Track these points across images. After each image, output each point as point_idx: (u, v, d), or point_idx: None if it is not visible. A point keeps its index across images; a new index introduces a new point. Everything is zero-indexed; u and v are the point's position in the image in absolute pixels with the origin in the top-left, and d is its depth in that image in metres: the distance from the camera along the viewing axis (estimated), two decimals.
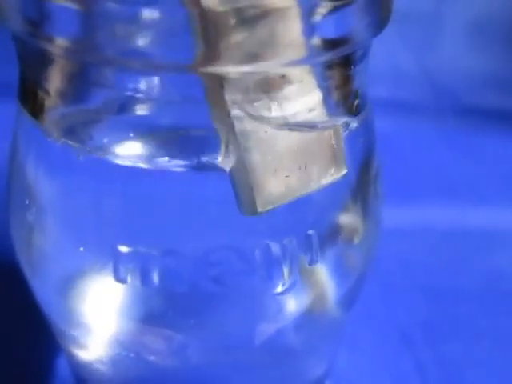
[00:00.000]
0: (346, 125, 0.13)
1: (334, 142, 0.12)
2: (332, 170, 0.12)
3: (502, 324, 0.24)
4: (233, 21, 0.10)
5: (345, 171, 0.12)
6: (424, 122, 0.35)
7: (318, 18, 0.11)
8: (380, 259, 0.22)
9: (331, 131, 0.12)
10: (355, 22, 0.11)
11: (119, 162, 0.12)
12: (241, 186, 0.11)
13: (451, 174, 0.32)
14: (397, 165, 0.30)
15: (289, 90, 0.11)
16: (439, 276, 0.26)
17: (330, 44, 0.11)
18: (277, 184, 0.11)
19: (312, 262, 0.14)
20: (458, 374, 0.22)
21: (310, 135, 0.11)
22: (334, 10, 0.11)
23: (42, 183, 0.14)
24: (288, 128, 0.11)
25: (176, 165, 0.12)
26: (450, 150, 0.34)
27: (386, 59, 0.33)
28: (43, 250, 0.15)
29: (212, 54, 0.10)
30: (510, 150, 0.34)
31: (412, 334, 0.23)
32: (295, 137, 0.11)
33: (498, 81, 0.37)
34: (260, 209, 0.11)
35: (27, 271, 0.15)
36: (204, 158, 0.12)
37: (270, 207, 0.11)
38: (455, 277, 0.26)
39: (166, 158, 0.12)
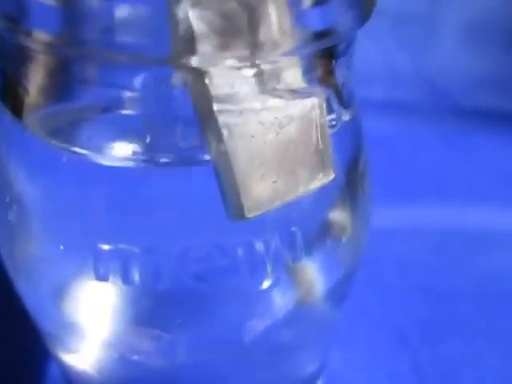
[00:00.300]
0: (338, 116, 0.13)
1: (321, 146, 0.12)
2: (320, 175, 0.12)
3: (499, 324, 0.24)
4: (216, 16, 0.10)
5: (333, 176, 0.12)
6: (421, 123, 0.35)
7: (302, 9, 0.11)
8: (377, 259, 0.22)
9: (318, 134, 0.11)
10: (339, 13, 0.11)
11: (102, 161, 0.12)
12: (228, 191, 0.11)
13: (449, 175, 0.32)
14: (394, 165, 0.30)
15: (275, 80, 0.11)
16: (436, 276, 0.26)
17: (315, 36, 0.11)
18: (264, 189, 0.11)
19: (295, 260, 0.14)
20: (454, 373, 0.22)
21: (297, 140, 0.11)
22: (318, 1, 0.11)
23: (22, 182, 0.14)
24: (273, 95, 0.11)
25: (160, 162, 0.12)
26: (447, 150, 0.34)
27: (383, 61, 0.33)
28: (26, 251, 0.14)
29: (192, 45, 0.10)
30: (507, 151, 0.34)
31: (409, 334, 0.23)
32: (283, 142, 0.11)
33: (495, 81, 0.37)
34: (247, 214, 0.11)
35: (12, 273, 0.15)
36: (188, 155, 0.12)
37: (258, 212, 0.11)
38: (452, 277, 0.26)
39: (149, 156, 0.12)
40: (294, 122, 0.11)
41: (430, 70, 0.36)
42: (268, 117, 0.11)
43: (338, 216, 0.15)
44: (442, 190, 0.31)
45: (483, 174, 0.32)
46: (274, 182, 0.11)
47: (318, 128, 0.11)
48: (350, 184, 0.15)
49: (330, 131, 0.12)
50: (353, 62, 0.13)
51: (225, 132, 0.10)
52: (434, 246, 0.28)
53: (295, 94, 0.11)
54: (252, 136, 0.11)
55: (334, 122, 0.13)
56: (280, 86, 0.11)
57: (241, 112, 0.10)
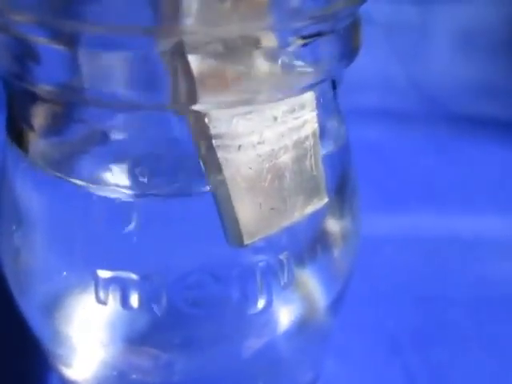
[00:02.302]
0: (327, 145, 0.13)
1: (315, 173, 0.12)
2: (314, 200, 0.12)
3: (490, 330, 0.24)
4: (216, 62, 0.10)
5: (326, 200, 0.13)
6: (414, 131, 0.35)
7: (290, 53, 0.11)
8: (370, 266, 0.22)
9: (312, 161, 0.12)
10: (325, 56, 0.12)
11: (99, 192, 0.13)
12: (227, 219, 0.12)
13: (442, 182, 0.32)
14: (387, 173, 0.30)
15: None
16: (428, 283, 0.26)
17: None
18: (262, 217, 0.12)
19: (286, 284, 0.14)
20: (446, 380, 0.22)
21: (292, 169, 0.12)
22: (304, 45, 0.11)
23: (26, 209, 0.14)
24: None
25: (153, 193, 0.12)
26: (440, 157, 0.34)
27: (375, 69, 0.33)
28: (28, 272, 0.15)
29: (193, 94, 0.10)
30: (499, 157, 0.34)
31: (401, 341, 0.23)
32: (279, 171, 0.12)
33: (486, 88, 0.37)
34: (246, 241, 0.12)
35: (14, 291, 0.15)
36: (183, 186, 0.12)
37: (256, 239, 0.12)
38: (444, 284, 0.26)
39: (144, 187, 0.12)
40: (290, 152, 0.12)
41: (422, 77, 0.36)
42: (265, 149, 0.11)
43: (329, 234, 0.15)
44: (435, 197, 0.31)
45: (476, 180, 0.32)
46: (272, 209, 0.12)
47: (312, 156, 0.12)
48: (340, 201, 0.15)
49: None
50: (340, 95, 0.14)
51: (223, 165, 0.11)
52: (426, 254, 0.27)
53: (290, 121, 0.12)
54: (250, 168, 0.11)
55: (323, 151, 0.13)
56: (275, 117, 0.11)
57: (239, 147, 0.11)
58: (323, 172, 0.12)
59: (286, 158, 0.12)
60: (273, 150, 0.11)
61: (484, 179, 0.32)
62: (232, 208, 0.11)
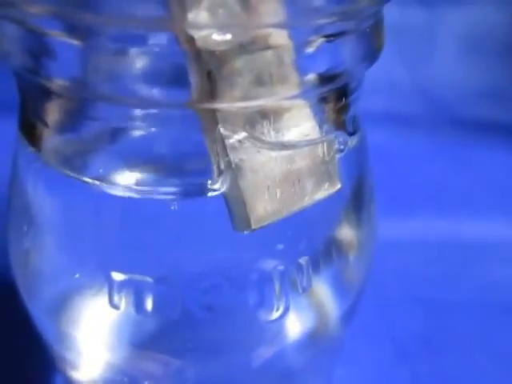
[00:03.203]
0: (344, 143, 0.13)
1: (327, 157, 0.12)
2: (326, 185, 0.12)
3: (498, 336, 0.24)
4: (229, 60, 0.10)
5: (339, 186, 0.12)
6: (419, 135, 0.35)
7: (310, 53, 0.11)
8: (376, 271, 0.22)
9: (324, 147, 0.12)
10: (348, 56, 0.12)
11: (113, 191, 0.12)
12: (234, 202, 0.11)
13: (447, 187, 0.32)
14: (392, 177, 0.30)
15: (285, 117, 0.11)
16: (435, 289, 0.26)
17: (324, 78, 0.11)
18: (270, 200, 0.11)
19: (305, 288, 0.14)
20: None
21: (303, 152, 0.11)
22: (327, 44, 0.11)
23: (39, 207, 0.14)
24: (283, 148, 0.11)
25: (168, 192, 0.12)
26: (445, 162, 0.34)
27: (381, 73, 0.33)
28: (39, 273, 0.15)
29: (210, 92, 0.10)
30: (505, 162, 0.34)
31: (408, 347, 0.23)
32: (288, 154, 0.11)
33: (492, 93, 0.37)
34: (253, 225, 0.11)
35: (24, 293, 0.15)
36: (196, 184, 0.12)
37: (264, 223, 0.11)
38: (451, 289, 0.26)
39: (159, 186, 0.12)
40: None
41: (427, 81, 0.36)
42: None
43: (346, 239, 0.15)
44: (440, 201, 0.31)
45: (481, 185, 0.32)
46: (280, 193, 0.11)
47: (325, 142, 0.12)
48: (357, 209, 0.15)
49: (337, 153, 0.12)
50: (362, 94, 0.14)
51: (230, 146, 0.11)
52: (432, 259, 0.27)
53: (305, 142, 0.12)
54: (258, 151, 0.11)
55: (342, 147, 0.13)
56: (287, 134, 0.11)
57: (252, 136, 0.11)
58: (336, 158, 0.12)
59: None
60: (287, 140, 0.11)
61: (489, 184, 0.32)
62: (239, 191, 0.11)
